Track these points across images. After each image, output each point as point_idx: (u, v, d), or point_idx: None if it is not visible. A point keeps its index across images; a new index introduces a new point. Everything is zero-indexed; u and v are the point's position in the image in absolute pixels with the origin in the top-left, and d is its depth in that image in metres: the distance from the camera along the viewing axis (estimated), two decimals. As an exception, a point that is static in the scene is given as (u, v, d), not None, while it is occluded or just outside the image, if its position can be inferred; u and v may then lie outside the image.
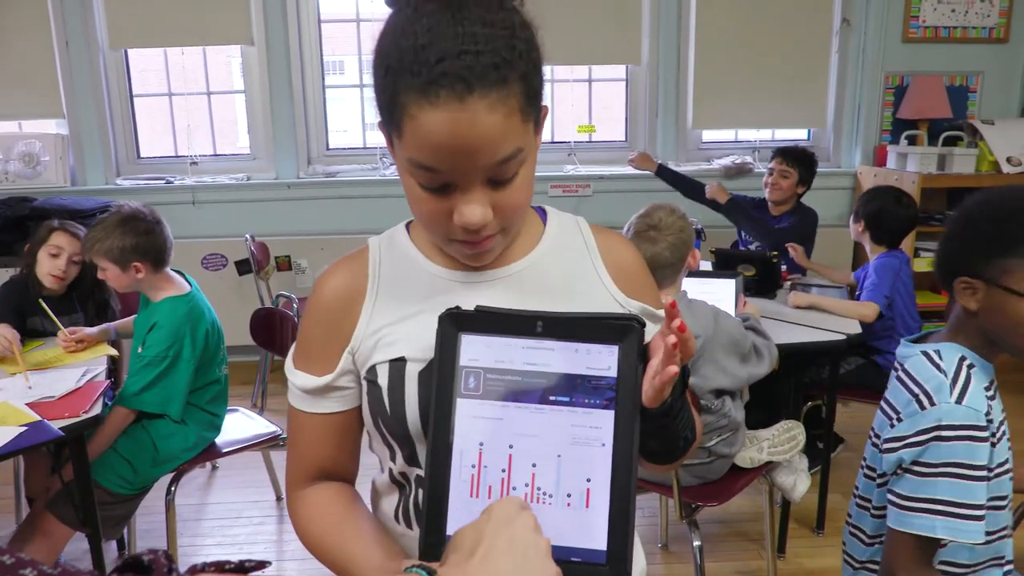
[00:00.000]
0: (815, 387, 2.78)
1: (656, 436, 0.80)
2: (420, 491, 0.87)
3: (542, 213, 0.95)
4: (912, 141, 4.03)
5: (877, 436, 1.36)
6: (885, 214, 2.75)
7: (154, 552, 0.48)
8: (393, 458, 0.89)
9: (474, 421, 0.75)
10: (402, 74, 0.71)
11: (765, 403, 2.74)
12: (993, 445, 1.21)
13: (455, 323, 0.77)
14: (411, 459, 0.87)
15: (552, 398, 0.75)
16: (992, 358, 1.27)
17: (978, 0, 4.09)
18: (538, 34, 0.76)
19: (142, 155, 4.24)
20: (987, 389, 1.24)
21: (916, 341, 1.35)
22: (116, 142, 4.14)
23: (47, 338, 2.47)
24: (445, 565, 0.63)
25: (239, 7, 3.94)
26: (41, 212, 3.52)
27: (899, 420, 1.26)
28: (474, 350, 0.76)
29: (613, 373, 0.74)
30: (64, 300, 2.49)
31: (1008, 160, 3.84)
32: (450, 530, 0.74)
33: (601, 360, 0.75)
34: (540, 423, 0.74)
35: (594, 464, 0.73)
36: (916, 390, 1.24)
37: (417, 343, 0.84)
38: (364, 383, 0.87)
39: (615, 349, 0.75)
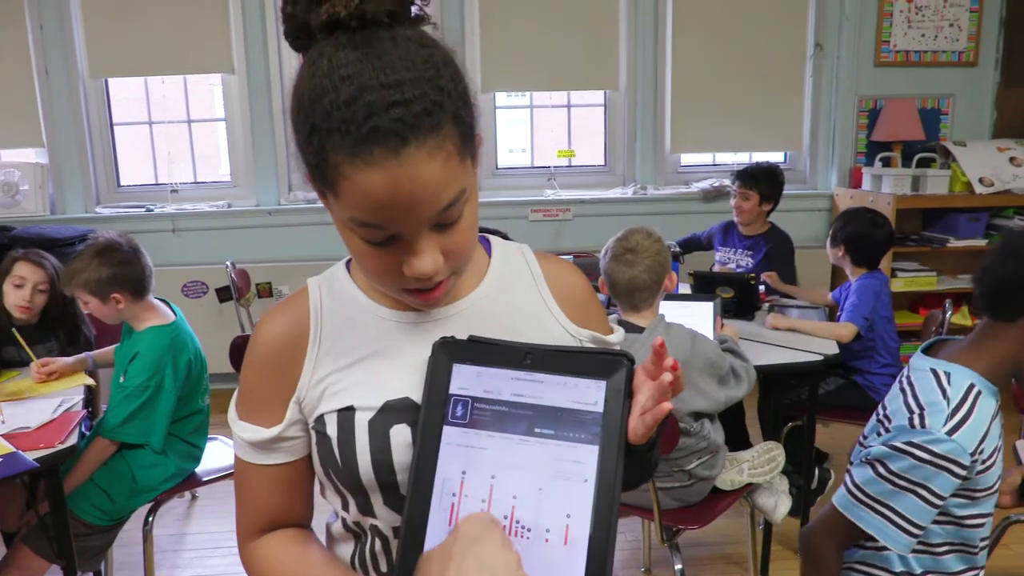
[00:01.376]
0: (795, 408, 2.79)
1: (631, 468, 0.79)
2: (377, 540, 0.85)
3: (486, 244, 0.93)
4: (886, 163, 4.10)
5: (864, 438, 1.36)
6: (862, 237, 2.77)
7: None
8: (346, 507, 0.86)
9: (459, 449, 0.75)
10: (330, 134, 0.66)
11: (738, 427, 2.76)
12: (981, 472, 1.22)
13: (448, 352, 0.78)
14: (365, 509, 0.84)
15: (537, 430, 0.74)
16: (1002, 384, 1.27)
17: (947, 25, 4.20)
18: (459, 62, 0.73)
19: (122, 183, 4.23)
20: (992, 418, 1.24)
21: (929, 349, 1.34)
22: (96, 171, 4.13)
23: (23, 368, 2.44)
24: None
25: (220, 36, 3.97)
26: (20, 241, 3.49)
27: (887, 431, 1.26)
28: (464, 379, 0.77)
29: (599, 408, 0.74)
30: (37, 329, 2.45)
31: (980, 180, 3.92)
32: None
33: (588, 395, 0.75)
34: (524, 454, 0.74)
35: (575, 500, 0.72)
36: (914, 407, 1.24)
37: (365, 390, 0.82)
38: (312, 433, 0.84)
39: (603, 384, 0.75)
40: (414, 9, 0.72)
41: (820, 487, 2.82)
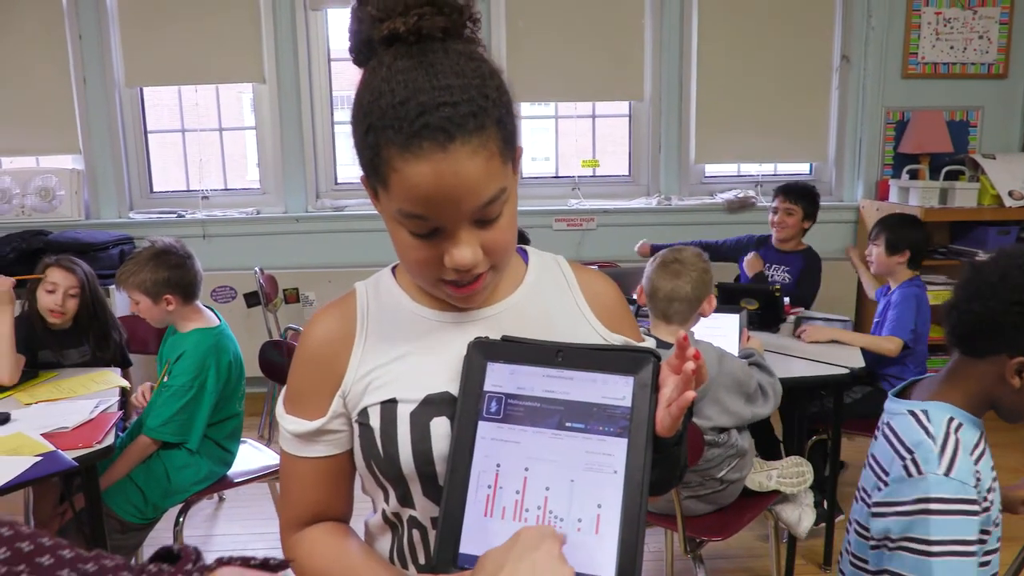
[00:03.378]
0: (819, 420, 2.78)
1: (661, 465, 0.82)
2: (414, 531, 0.89)
3: (523, 254, 0.98)
4: (914, 175, 4.07)
5: (867, 494, 1.33)
6: (922, 241, 2.85)
7: (185, 546, 0.52)
8: (386, 499, 0.90)
9: (493, 443, 0.79)
10: (384, 130, 0.73)
11: (768, 437, 2.75)
12: (986, 510, 1.20)
13: (482, 351, 0.82)
14: (404, 499, 0.88)
15: (568, 424, 0.78)
16: (981, 414, 1.27)
17: (976, 37, 4.17)
18: (505, 78, 0.80)
19: (155, 189, 4.32)
20: (976, 447, 1.23)
21: (901, 393, 1.34)
22: (130, 177, 4.22)
23: (59, 369, 2.50)
24: None
25: (251, 46, 4.04)
26: (56, 245, 3.59)
27: (886, 484, 1.25)
28: (498, 377, 0.81)
29: (628, 403, 0.78)
30: (70, 333, 2.51)
31: (1010, 194, 3.88)
32: (463, 547, 0.77)
33: (617, 390, 0.78)
34: (556, 448, 0.78)
35: (606, 490, 0.76)
36: (904, 453, 1.23)
37: (407, 384, 0.86)
38: (356, 426, 0.88)
39: (630, 380, 0.79)
40: (466, 32, 0.80)
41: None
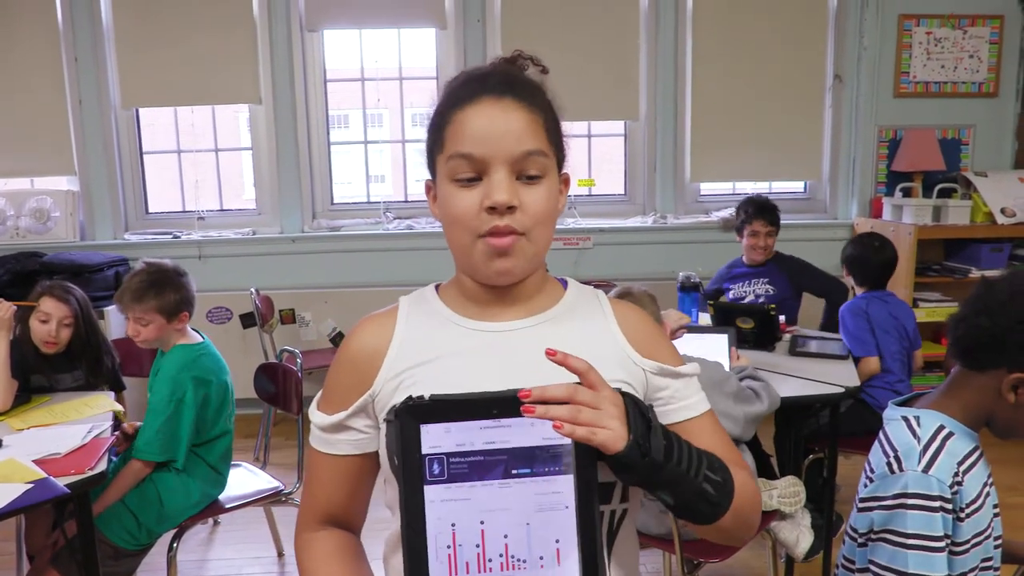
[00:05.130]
0: (812, 439, 2.78)
1: (663, 486, 0.79)
2: None
3: (564, 282, 1.03)
4: (907, 193, 4.10)
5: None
6: (861, 259, 2.90)
7: None
8: None
9: (444, 505, 0.78)
10: (451, 97, 0.90)
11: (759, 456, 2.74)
12: (961, 520, 1.22)
13: (413, 414, 0.79)
14: None
15: (515, 472, 0.79)
16: (978, 428, 1.29)
17: (967, 56, 4.21)
18: (559, 111, 0.94)
19: (150, 210, 4.32)
20: (967, 458, 1.26)
21: (904, 403, 1.38)
22: (125, 198, 4.22)
23: (52, 394, 2.49)
24: None
25: (248, 67, 4.06)
26: (50, 267, 3.59)
27: (871, 481, 1.30)
28: (435, 438, 0.79)
29: (568, 440, 0.77)
30: (64, 359, 2.50)
31: (1003, 211, 3.90)
32: None
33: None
34: (506, 496, 0.78)
35: (561, 526, 0.78)
36: (890, 453, 1.28)
37: (437, 383, 0.88)
38: (384, 425, 0.91)
39: None
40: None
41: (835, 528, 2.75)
